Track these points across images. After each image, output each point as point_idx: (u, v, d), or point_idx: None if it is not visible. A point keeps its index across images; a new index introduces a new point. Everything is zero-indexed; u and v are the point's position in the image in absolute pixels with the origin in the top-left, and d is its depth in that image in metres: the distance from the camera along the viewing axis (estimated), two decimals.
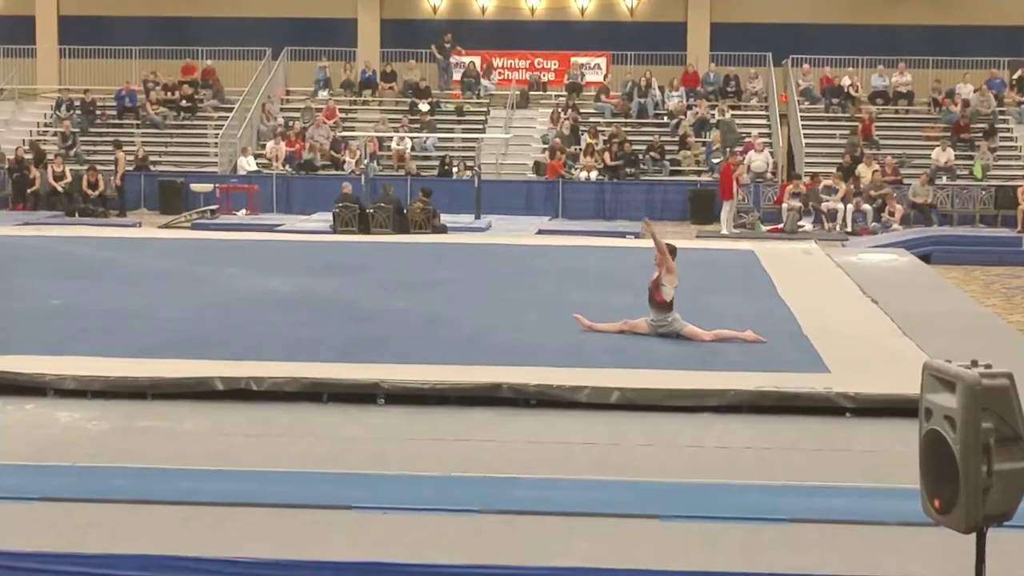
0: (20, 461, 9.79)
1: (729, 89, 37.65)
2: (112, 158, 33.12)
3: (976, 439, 5.41)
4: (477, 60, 38.74)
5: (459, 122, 37.26)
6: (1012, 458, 5.43)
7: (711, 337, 14.06)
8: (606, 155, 34.07)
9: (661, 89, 37.42)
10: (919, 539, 7.89)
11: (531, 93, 38.37)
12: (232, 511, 8.62)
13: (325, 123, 35.89)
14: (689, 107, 36.66)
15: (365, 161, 33.10)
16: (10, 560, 7.79)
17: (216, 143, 35.84)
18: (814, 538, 8.22)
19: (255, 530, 8.27)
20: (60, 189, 32.37)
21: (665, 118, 36.79)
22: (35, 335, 14.03)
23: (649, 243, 14.74)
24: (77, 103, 37.42)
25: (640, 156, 34.35)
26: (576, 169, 33.87)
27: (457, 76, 38.62)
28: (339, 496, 8.88)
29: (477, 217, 29.52)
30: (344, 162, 34.36)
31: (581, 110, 36.76)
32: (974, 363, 5.54)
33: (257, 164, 34.50)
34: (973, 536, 5.69)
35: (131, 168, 33.70)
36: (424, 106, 37.03)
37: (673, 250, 14.33)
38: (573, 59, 38.64)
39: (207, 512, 8.60)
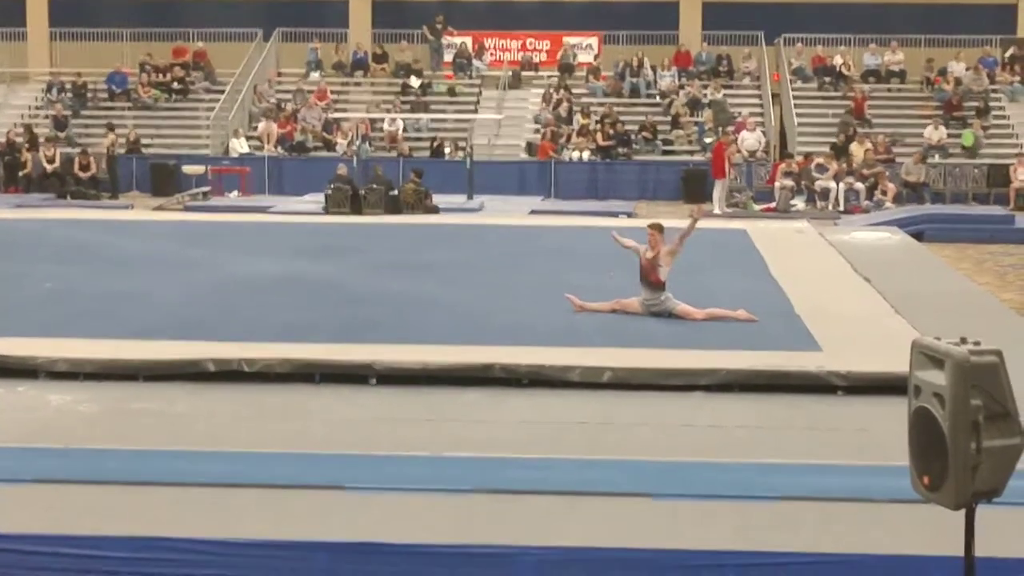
0: (12, 443, 9.79)
1: (721, 69, 37.63)
2: (104, 140, 33.06)
3: (965, 416, 5.42)
4: (469, 41, 38.67)
5: (451, 103, 37.21)
6: (1001, 435, 5.44)
7: (703, 316, 14.07)
8: (598, 135, 34.06)
9: (653, 69, 37.38)
10: (910, 516, 7.90)
11: (523, 74, 38.31)
12: (225, 492, 8.63)
13: (317, 104, 35.85)
14: (681, 87, 36.62)
15: (357, 142, 33.07)
16: (2, 542, 7.80)
17: (208, 125, 35.77)
18: (807, 516, 8.25)
19: (248, 511, 8.29)
20: (51, 172, 32.33)
21: (657, 98, 36.76)
22: (27, 318, 14.00)
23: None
24: (68, 86, 37.35)
25: (632, 136, 34.34)
26: (568, 149, 33.84)
27: (449, 57, 38.58)
28: (332, 477, 8.90)
29: (470, 198, 29.49)
30: (336, 143, 34.32)
31: (573, 90, 36.72)
32: (963, 340, 5.54)
33: (249, 146, 34.47)
34: (963, 513, 5.70)
35: (123, 151, 33.65)
36: (414, 81, 36.98)
37: (660, 228, 14.36)
38: (565, 39, 38.59)
39: (200, 493, 8.61)
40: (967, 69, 36.19)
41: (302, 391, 11.50)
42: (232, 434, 10.20)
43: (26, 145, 33.38)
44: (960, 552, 5.87)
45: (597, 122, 34.62)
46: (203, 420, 10.66)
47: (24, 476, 8.88)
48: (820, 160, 30.47)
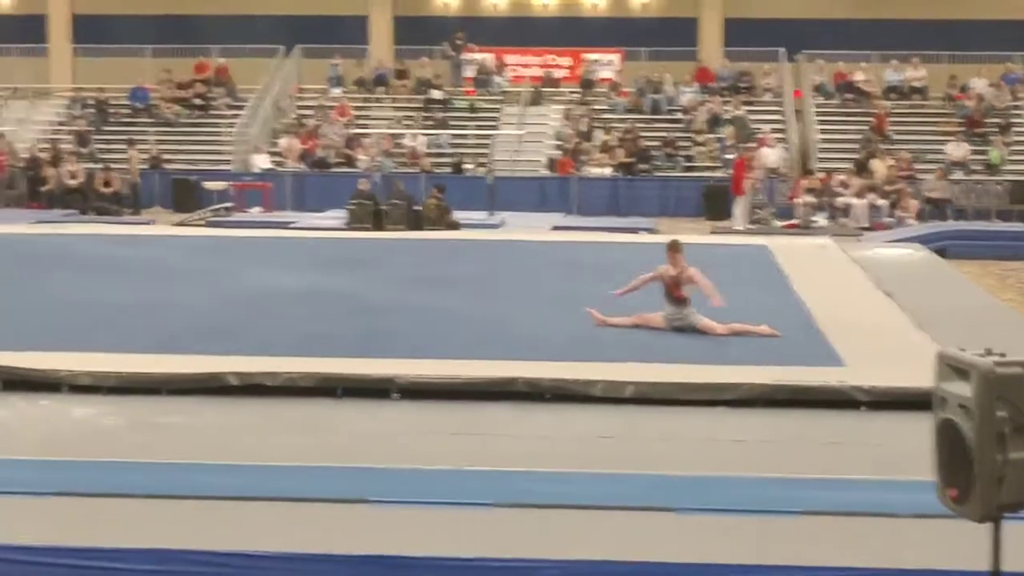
0: (35, 456, 9.81)
1: (742, 85, 37.59)
2: (126, 156, 33.16)
3: (991, 428, 5.40)
4: (490, 57, 38.71)
5: (472, 119, 37.23)
6: None
7: (726, 331, 14.04)
8: (619, 151, 34.03)
9: (674, 85, 37.36)
10: (935, 531, 7.86)
11: (544, 90, 38.31)
12: (246, 505, 8.63)
13: (338, 120, 35.90)
14: (702, 103, 36.59)
15: (379, 158, 33.10)
16: (25, 554, 7.81)
17: (230, 141, 35.84)
18: (829, 531, 8.21)
19: (269, 524, 8.28)
20: (74, 188, 32.42)
21: (678, 114, 36.74)
22: (49, 331, 14.03)
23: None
24: (91, 102, 37.46)
25: (653, 152, 34.32)
26: (589, 165, 33.82)
27: (470, 73, 38.60)
28: (354, 490, 8.88)
29: (491, 214, 29.49)
30: (357, 159, 34.36)
31: (594, 107, 36.73)
32: (988, 352, 5.52)
33: (271, 162, 34.52)
34: (989, 527, 5.68)
35: (145, 167, 33.74)
36: (437, 93, 36.99)
37: (678, 247, 14.33)
38: (586, 56, 38.59)
39: (221, 506, 8.61)
40: (989, 85, 36.10)
41: (324, 405, 11.50)
42: (254, 447, 10.19)
43: (49, 161, 33.46)
44: (984, 567, 5.84)
45: (618, 138, 34.59)
46: (225, 433, 10.66)
47: (47, 489, 8.88)
48: (842, 177, 30.39)
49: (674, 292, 14.22)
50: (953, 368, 5.63)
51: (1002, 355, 5.51)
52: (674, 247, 14.40)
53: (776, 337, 13.93)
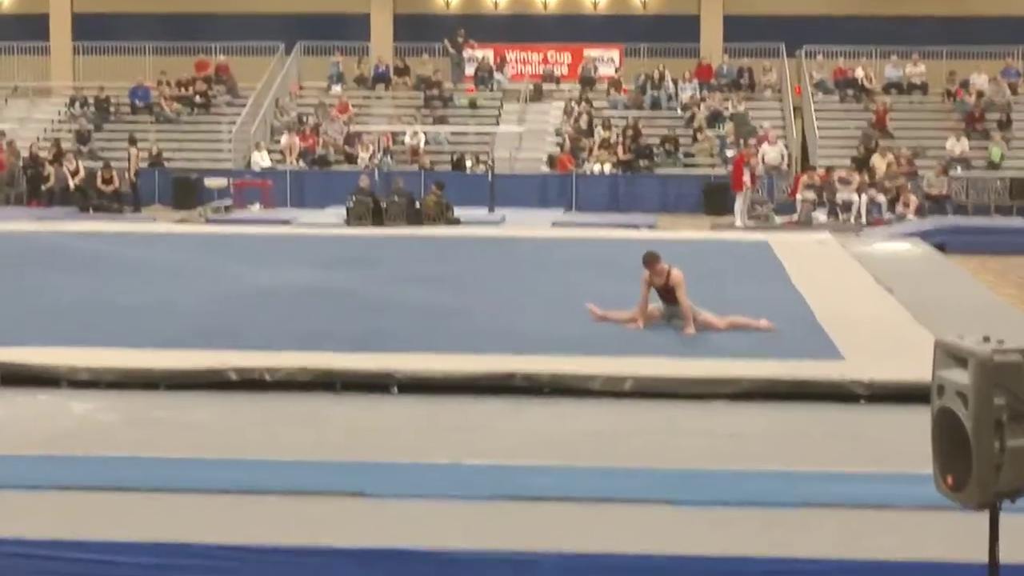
0: (33, 451, 9.80)
1: (742, 81, 37.59)
2: (126, 154, 33.18)
3: (989, 415, 5.40)
4: (490, 54, 38.71)
5: (472, 116, 37.23)
6: None
7: (725, 325, 14.03)
8: (619, 148, 34.03)
9: (674, 82, 37.35)
10: (934, 523, 7.87)
11: (544, 87, 38.31)
12: (245, 499, 8.63)
13: (339, 118, 35.90)
14: (702, 100, 36.59)
15: (379, 155, 33.11)
16: (23, 548, 7.80)
17: (230, 139, 35.84)
18: (828, 523, 8.20)
19: (268, 518, 8.27)
20: (75, 185, 32.43)
21: (678, 111, 36.73)
22: (49, 328, 14.04)
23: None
24: (91, 100, 37.47)
25: (654, 149, 34.32)
26: (589, 162, 33.82)
27: (470, 70, 38.59)
28: (352, 484, 8.88)
29: (491, 210, 29.49)
30: (358, 157, 34.36)
31: (594, 103, 36.72)
32: (986, 339, 5.52)
33: (271, 159, 34.52)
34: (986, 517, 5.67)
35: (145, 164, 33.75)
36: (438, 92, 37.01)
37: (654, 258, 14.24)
38: (586, 52, 38.57)
39: (220, 500, 8.61)
40: (989, 81, 36.09)
41: (323, 400, 11.50)
42: (253, 442, 10.19)
43: (49, 159, 33.47)
44: (983, 558, 5.84)
45: (618, 135, 34.59)
46: (224, 428, 10.66)
47: (45, 483, 8.87)
48: (842, 174, 30.36)
49: (667, 297, 14.18)
50: (951, 356, 5.63)
51: (1000, 343, 5.50)
52: (650, 261, 14.16)
53: (774, 332, 13.91)
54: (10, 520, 8.16)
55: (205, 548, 7.80)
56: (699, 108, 36.13)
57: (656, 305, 14.31)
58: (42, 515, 8.30)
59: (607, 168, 33.72)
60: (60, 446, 9.93)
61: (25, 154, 33.91)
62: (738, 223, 28.55)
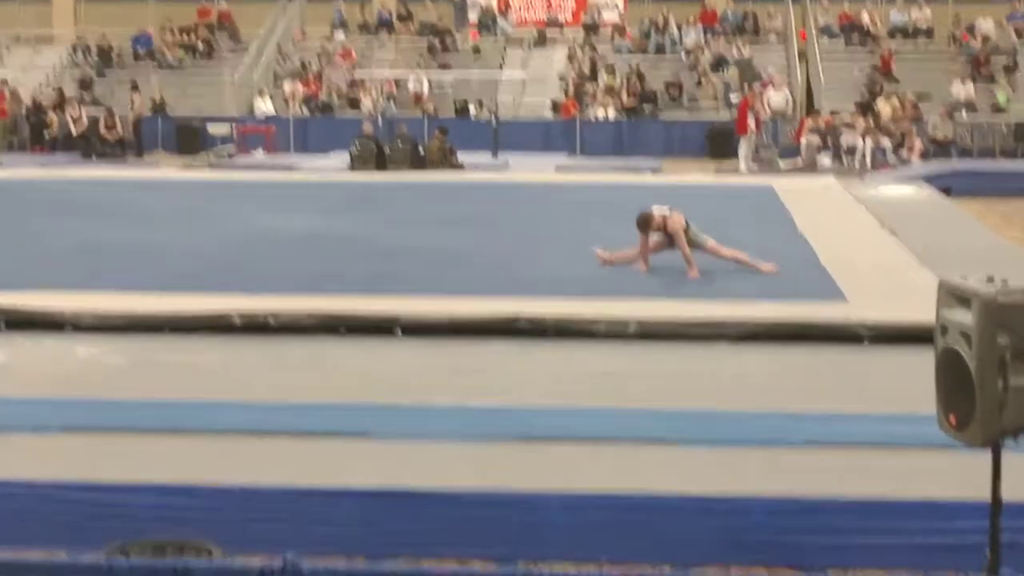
0: (39, 394, 9.84)
1: (747, 26, 37.42)
2: (129, 101, 33.11)
3: (992, 355, 5.41)
4: (494, 0, 38.54)
5: (476, 62, 37.11)
6: None
7: (730, 255, 14.04)
8: (623, 93, 33.94)
9: (678, 27, 37.20)
10: (937, 462, 7.90)
11: (548, 33, 38.17)
12: (250, 440, 8.66)
13: (342, 64, 35.79)
14: (706, 45, 36.44)
15: (382, 102, 33.03)
16: (31, 489, 7.85)
17: (233, 85, 35.73)
18: (833, 461, 8.25)
19: (274, 459, 8.31)
20: (77, 132, 32.38)
21: (683, 56, 36.59)
22: (53, 273, 14.06)
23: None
24: (93, 47, 37.35)
25: (658, 94, 34.21)
26: (593, 107, 33.73)
27: (473, 17, 38.44)
28: (357, 425, 8.92)
29: (495, 156, 29.44)
30: (361, 103, 34.27)
31: (598, 49, 36.57)
32: (990, 279, 5.52)
33: (274, 106, 34.43)
34: (989, 459, 5.70)
35: (148, 111, 33.67)
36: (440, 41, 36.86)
37: (647, 221, 14.14)
38: None
39: (226, 442, 8.65)
40: (995, 25, 35.92)
41: (328, 343, 11.52)
42: (258, 385, 10.22)
43: (52, 106, 33.40)
44: (986, 496, 5.87)
45: (622, 80, 34.48)
46: (229, 371, 10.68)
47: (52, 425, 8.91)
48: (847, 119, 30.25)
49: (670, 242, 14.14)
50: (955, 296, 5.64)
51: (1004, 283, 5.51)
52: (643, 225, 14.09)
53: (776, 275, 13.92)
54: (17, 462, 8.22)
55: (211, 490, 7.83)
56: (703, 53, 35.98)
57: (657, 239, 14.22)
58: (48, 457, 8.35)
59: (611, 113, 33.62)
60: (65, 389, 9.98)
61: (28, 101, 33.84)
62: (742, 167, 28.50)
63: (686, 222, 14.12)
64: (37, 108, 33.36)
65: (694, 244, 14.08)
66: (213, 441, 8.65)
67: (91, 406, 9.55)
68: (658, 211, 14.06)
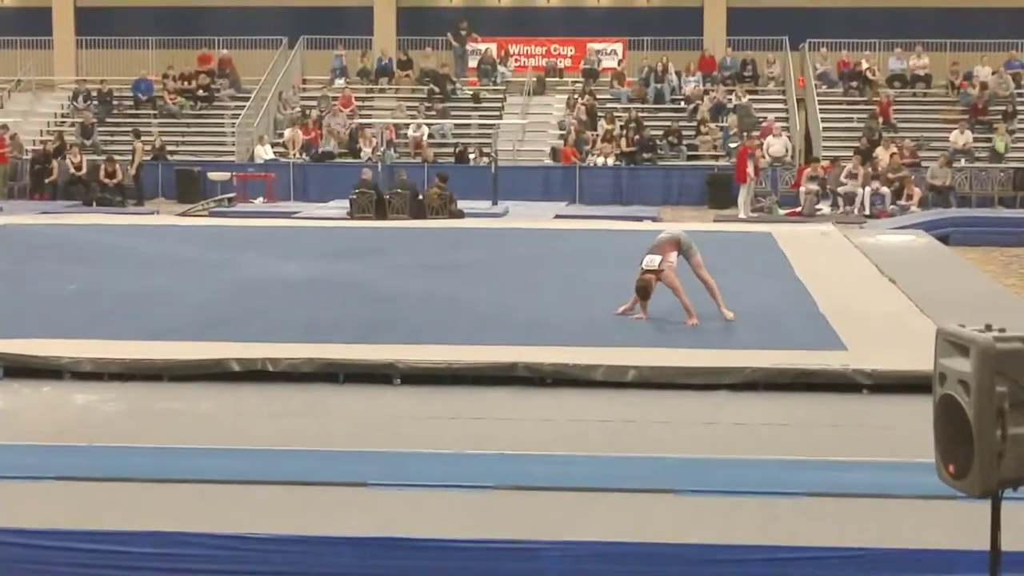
0: (38, 441, 9.82)
1: (746, 74, 37.54)
2: (130, 148, 33.18)
3: (990, 403, 5.39)
4: (493, 47, 38.68)
5: (476, 109, 37.22)
6: None
7: (705, 278, 14.06)
8: (623, 140, 34.02)
9: (678, 74, 37.32)
10: (935, 511, 7.88)
11: (547, 79, 38.29)
12: (248, 488, 8.65)
13: (342, 111, 35.88)
14: (706, 92, 36.55)
15: (382, 149, 33.11)
16: (28, 538, 7.83)
17: (233, 132, 35.83)
18: (831, 511, 8.22)
19: (271, 507, 8.29)
20: (78, 179, 32.43)
21: (682, 103, 36.70)
22: (52, 319, 14.06)
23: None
24: (94, 93, 37.47)
25: (657, 141, 34.29)
26: (592, 155, 33.81)
27: (473, 63, 38.57)
28: (355, 473, 8.89)
29: (494, 203, 29.46)
30: (361, 150, 34.35)
31: (598, 96, 36.69)
32: (988, 327, 5.51)
33: (274, 152, 34.51)
34: (988, 509, 5.67)
35: (148, 158, 33.73)
36: (440, 90, 36.97)
37: (647, 291, 13.95)
38: (589, 45, 38.52)
39: (224, 490, 8.63)
40: (992, 73, 36.03)
41: (326, 390, 11.52)
42: (256, 432, 10.21)
43: (53, 152, 33.45)
44: (985, 546, 5.84)
45: (622, 127, 34.58)
46: (227, 419, 10.67)
47: (49, 473, 8.89)
48: (848, 166, 30.30)
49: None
50: (953, 344, 5.62)
51: (1002, 331, 5.50)
52: (644, 294, 13.91)
53: (731, 321, 13.89)
54: (14, 510, 8.18)
55: (207, 537, 7.81)
56: (703, 100, 36.08)
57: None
58: (45, 504, 8.32)
59: (610, 160, 33.70)
60: (64, 437, 9.94)
61: (29, 147, 33.88)
62: (741, 215, 28.54)
63: (679, 239, 14.14)
64: (38, 154, 33.42)
65: (684, 254, 14.06)
66: (210, 489, 8.62)
67: (88, 453, 9.53)
68: (651, 264, 13.92)
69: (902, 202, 29.65)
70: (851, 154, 31.70)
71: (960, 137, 33.29)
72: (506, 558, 7.67)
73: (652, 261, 13.87)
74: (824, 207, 29.65)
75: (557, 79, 38.43)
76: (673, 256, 13.97)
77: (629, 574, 7.59)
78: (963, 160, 32.52)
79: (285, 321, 14.06)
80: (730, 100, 35.81)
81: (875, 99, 35.53)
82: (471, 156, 34.09)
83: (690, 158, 34.29)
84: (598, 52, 38.44)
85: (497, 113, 36.70)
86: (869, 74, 36.57)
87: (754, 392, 11.42)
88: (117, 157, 32.83)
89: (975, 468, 5.46)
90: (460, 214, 26.76)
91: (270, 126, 36.28)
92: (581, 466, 9.20)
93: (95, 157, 33.45)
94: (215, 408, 10.96)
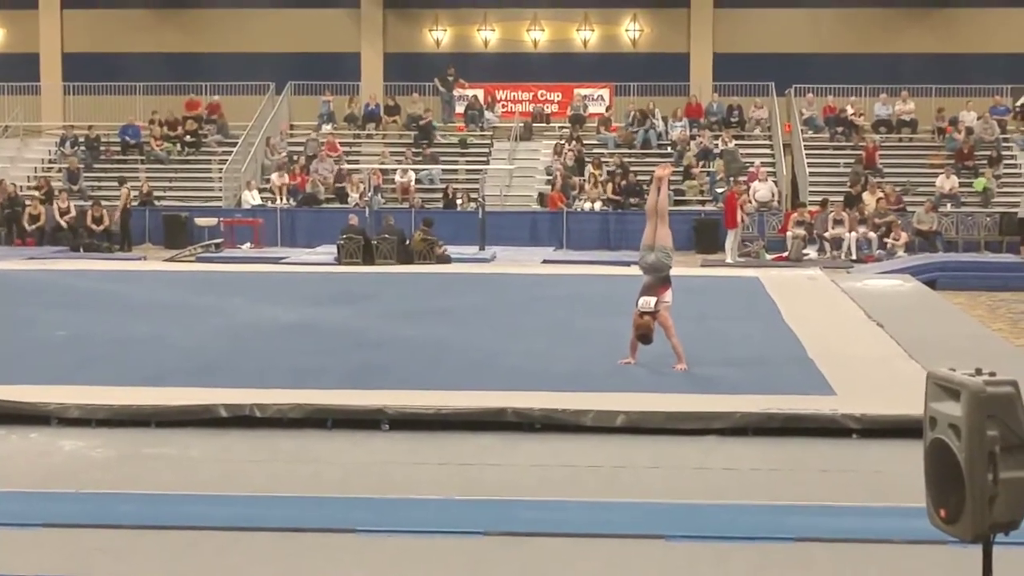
0: (24, 488, 9.76)
1: (732, 119, 37.71)
2: (117, 193, 33.19)
3: (981, 447, 5.37)
4: (480, 93, 38.84)
5: (463, 154, 37.31)
6: (1018, 466, 5.38)
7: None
8: (610, 186, 34.10)
9: (664, 120, 37.49)
10: (927, 556, 7.85)
11: (534, 125, 38.41)
12: (238, 535, 8.58)
13: (329, 156, 35.94)
14: (692, 137, 36.68)
15: (369, 194, 33.16)
16: None
17: (220, 177, 35.88)
18: (822, 557, 8.18)
19: (261, 554, 8.23)
20: (65, 225, 32.42)
21: (669, 148, 36.81)
22: (39, 365, 14.02)
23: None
24: (81, 139, 37.50)
25: (644, 187, 34.31)
26: (579, 200, 33.88)
27: (460, 109, 38.69)
28: (344, 519, 8.84)
29: (481, 248, 29.50)
30: (348, 195, 34.40)
31: (584, 141, 36.79)
32: (978, 371, 5.51)
33: (261, 198, 34.55)
34: (980, 553, 5.65)
35: (136, 203, 33.73)
36: (427, 138, 37.04)
37: (648, 337, 13.88)
38: (576, 91, 38.70)
39: (213, 537, 8.56)
40: (978, 118, 36.23)
41: (314, 436, 11.45)
42: (244, 478, 10.15)
43: (40, 198, 33.45)
44: None
45: (608, 173, 34.66)
46: (215, 465, 10.61)
47: (37, 520, 8.82)
48: (834, 212, 30.38)
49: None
50: (943, 388, 5.61)
51: (992, 374, 5.49)
52: (645, 340, 13.89)
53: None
54: (1, 557, 8.12)
55: None
56: (689, 146, 36.20)
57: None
58: (33, 552, 8.25)
59: (597, 206, 33.78)
60: (51, 483, 9.88)
61: (15, 193, 33.86)
62: (729, 260, 28.59)
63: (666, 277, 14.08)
64: (12, 201, 33.37)
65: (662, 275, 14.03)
66: (199, 536, 8.57)
67: (76, 500, 9.47)
68: (646, 306, 13.87)
69: (889, 246, 29.73)
70: (838, 199, 31.81)
71: (946, 182, 33.45)
72: None
73: (648, 303, 13.80)
74: (811, 252, 29.75)
75: (544, 124, 38.54)
76: (668, 295, 13.95)
77: None
78: (949, 205, 32.63)
79: (273, 367, 14.02)
80: (716, 145, 35.94)
81: (861, 144, 35.70)
82: (459, 201, 34.13)
83: (677, 203, 34.33)
84: (585, 97, 38.60)
85: (484, 158, 36.77)
86: (855, 119, 36.76)
87: (744, 437, 11.39)
88: (104, 202, 32.84)
89: (967, 512, 5.44)
90: (447, 259, 26.81)
91: (257, 171, 36.36)
92: (571, 512, 9.16)
93: (82, 203, 33.44)
94: (203, 454, 10.90)
